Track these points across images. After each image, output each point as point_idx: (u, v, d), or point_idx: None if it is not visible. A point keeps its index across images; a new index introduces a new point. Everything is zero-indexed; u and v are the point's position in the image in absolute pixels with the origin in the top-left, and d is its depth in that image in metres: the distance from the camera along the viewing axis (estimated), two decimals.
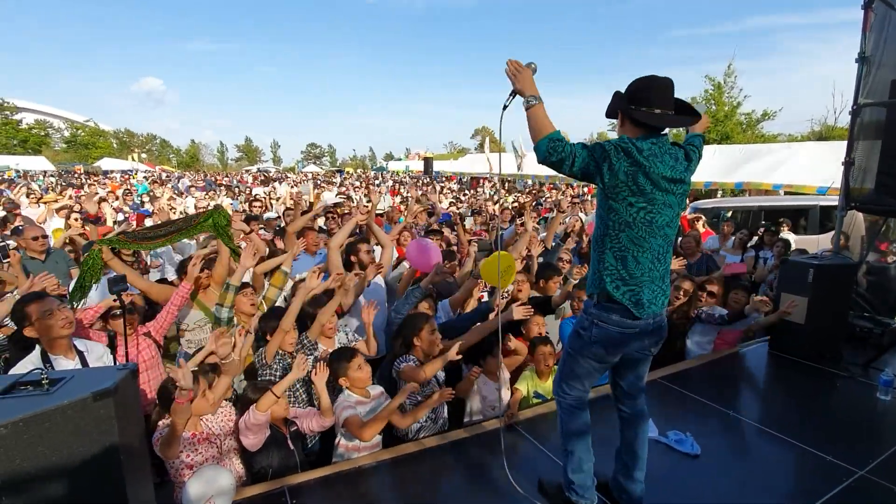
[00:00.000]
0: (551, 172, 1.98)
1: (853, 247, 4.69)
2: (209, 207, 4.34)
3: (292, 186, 18.01)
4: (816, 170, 11.05)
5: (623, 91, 2.02)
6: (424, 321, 3.01)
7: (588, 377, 2.14)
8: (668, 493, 2.43)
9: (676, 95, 1.99)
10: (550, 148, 1.83)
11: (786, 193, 11.38)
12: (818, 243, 7.45)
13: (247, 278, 4.11)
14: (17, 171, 24.38)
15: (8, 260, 3.64)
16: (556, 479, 2.31)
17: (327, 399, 2.61)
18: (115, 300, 2.84)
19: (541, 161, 1.87)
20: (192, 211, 9.55)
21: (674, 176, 1.89)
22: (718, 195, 13.11)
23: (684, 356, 4.08)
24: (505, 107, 2.03)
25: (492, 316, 3.38)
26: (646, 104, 1.93)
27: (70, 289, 3.15)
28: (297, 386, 3.00)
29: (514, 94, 1.97)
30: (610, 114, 2.07)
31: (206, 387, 2.40)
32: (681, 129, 2.34)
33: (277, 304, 3.71)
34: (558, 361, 2.30)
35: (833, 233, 4.73)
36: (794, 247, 5.90)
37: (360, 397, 2.74)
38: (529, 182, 21.25)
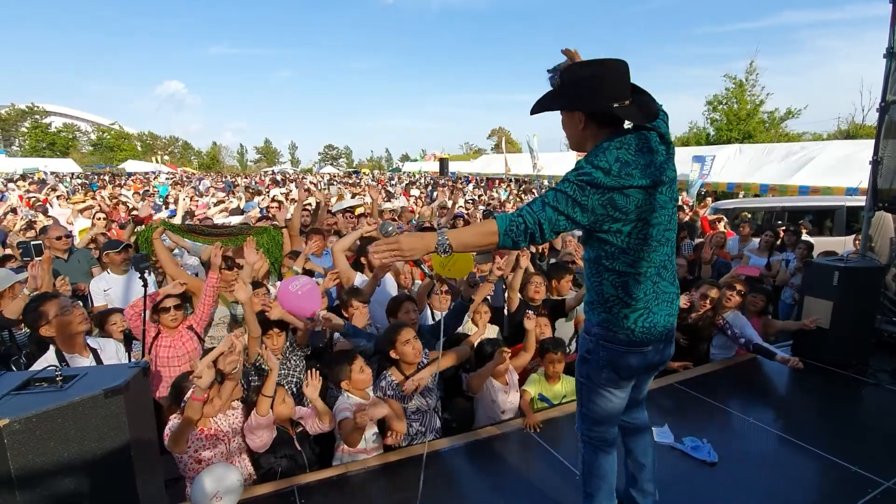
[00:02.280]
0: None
1: (881, 249, 4.51)
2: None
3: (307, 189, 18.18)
4: (843, 169, 10.71)
5: (568, 85, 1.65)
6: (396, 333, 2.78)
7: (610, 407, 1.83)
8: (683, 501, 2.37)
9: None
10: (513, 237, 1.55)
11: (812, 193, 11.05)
12: (845, 245, 7.21)
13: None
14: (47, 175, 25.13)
15: (40, 258, 3.75)
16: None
17: (322, 405, 2.58)
18: (139, 277, 2.96)
19: (516, 249, 1.61)
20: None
21: (654, 178, 1.58)
22: (740, 196, 12.81)
23: (708, 360, 3.98)
24: (430, 292, 1.59)
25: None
26: (619, 98, 1.60)
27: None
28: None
29: (424, 263, 1.62)
30: (540, 109, 1.70)
31: (215, 394, 2.41)
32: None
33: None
34: (574, 364, 2.16)
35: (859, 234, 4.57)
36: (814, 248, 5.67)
37: (360, 399, 2.67)
38: (546, 182, 21.10)
